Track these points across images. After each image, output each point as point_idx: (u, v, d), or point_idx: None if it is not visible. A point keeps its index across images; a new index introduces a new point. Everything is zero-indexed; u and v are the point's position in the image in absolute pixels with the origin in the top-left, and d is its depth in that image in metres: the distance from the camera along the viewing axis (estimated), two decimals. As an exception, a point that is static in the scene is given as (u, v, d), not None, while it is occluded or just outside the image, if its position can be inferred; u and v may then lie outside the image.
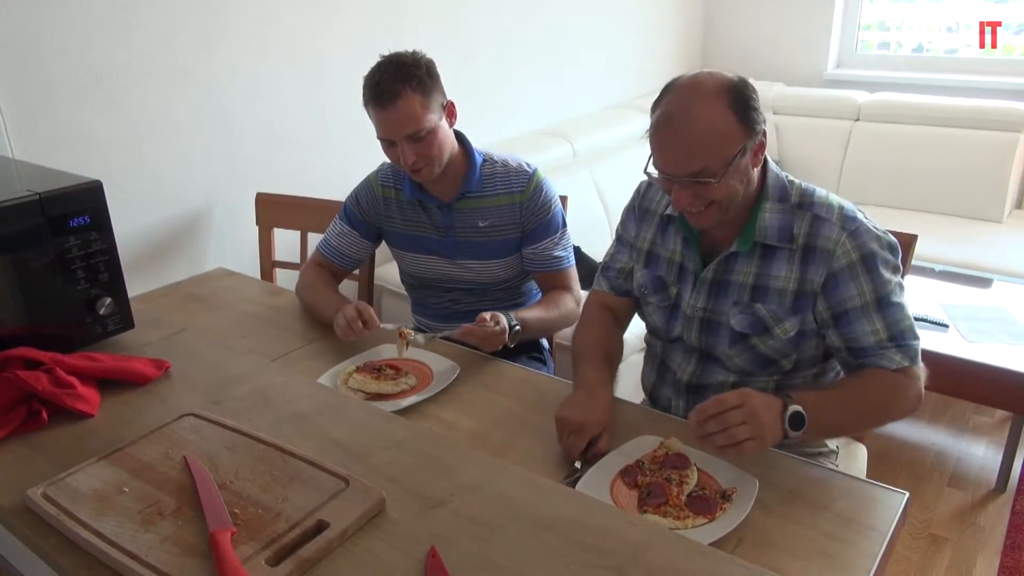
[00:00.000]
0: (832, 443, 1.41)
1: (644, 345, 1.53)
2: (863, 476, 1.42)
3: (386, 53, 1.54)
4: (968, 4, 3.62)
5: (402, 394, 1.41)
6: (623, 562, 0.81)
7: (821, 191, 1.28)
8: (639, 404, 1.45)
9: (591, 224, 2.87)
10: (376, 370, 1.45)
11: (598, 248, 2.53)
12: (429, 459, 0.99)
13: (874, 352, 1.21)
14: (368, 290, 2.09)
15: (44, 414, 1.06)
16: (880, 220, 1.28)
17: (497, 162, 1.70)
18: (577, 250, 2.30)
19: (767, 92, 3.73)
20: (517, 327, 1.51)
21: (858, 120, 3.62)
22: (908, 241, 1.55)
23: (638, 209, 1.45)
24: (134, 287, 1.39)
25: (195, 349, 1.30)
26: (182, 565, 0.78)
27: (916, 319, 1.25)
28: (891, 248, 1.24)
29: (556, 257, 1.71)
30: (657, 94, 1.22)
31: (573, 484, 1.14)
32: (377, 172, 1.77)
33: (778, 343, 1.28)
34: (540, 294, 1.79)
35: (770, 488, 1.11)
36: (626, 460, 1.18)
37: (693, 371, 1.38)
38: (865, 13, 3.87)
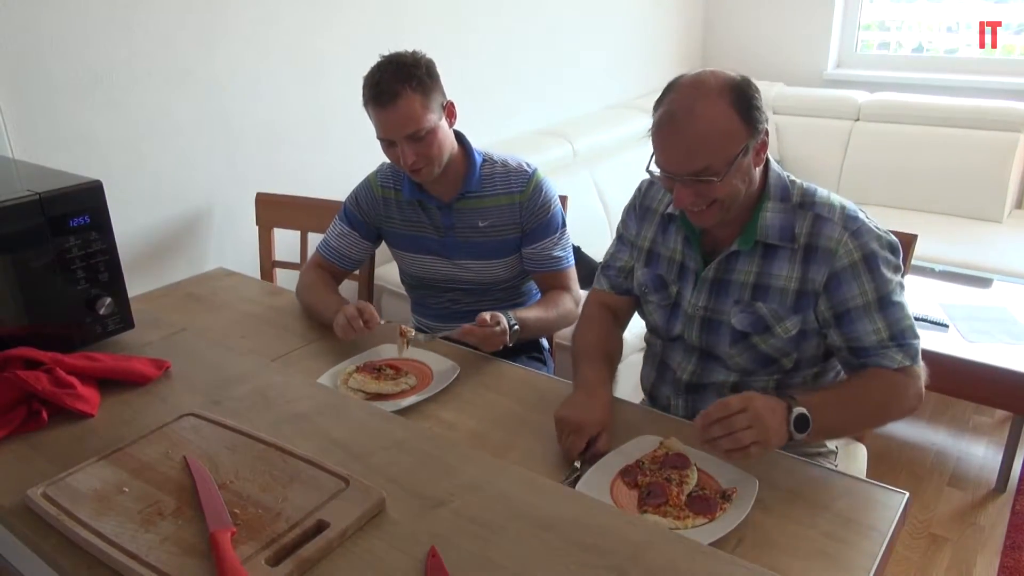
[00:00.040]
0: (832, 443, 1.41)
1: (644, 344, 1.53)
2: (863, 476, 1.42)
3: (386, 53, 1.54)
4: (968, 4, 3.62)
5: (402, 394, 1.41)
6: (623, 562, 0.81)
7: (823, 191, 1.28)
8: (639, 404, 1.45)
9: (591, 224, 2.87)
10: (376, 370, 1.45)
11: (598, 248, 2.53)
12: (429, 459, 0.99)
13: (875, 352, 1.21)
14: (368, 290, 2.09)
15: (44, 414, 1.06)
16: (880, 220, 1.28)
17: (497, 162, 1.70)
18: (577, 250, 2.30)
19: (767, 92, 3.73)
20: (516, 327, 1.51)
21: (858, 120, 3.62)
22: (908, 241, 1.55)
23: (639, 208, 1.45)
24: (134, 287, 1.39)
25: (195, 349, 1.30)
26: (182, 565, 0.78)
27: (916, 319, 1.25)
28: (892, 248, 1.24)
29: (555, 257, 1.71)
30: (657, 94, 1.22)
31: (573, 484, 1.14)
32: (376, 172, 1.77)
33: (779, 342, 1.28)
34: (540, 294, 1.79)
35: (770, 488, 1.11)
36: (626, 460, 1.18)
37: (693, 370, 1.38)
38: (865, 13, 3.87)
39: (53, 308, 1.18)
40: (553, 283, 1.73)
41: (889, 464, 2.42)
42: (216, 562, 0.77)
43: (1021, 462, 2.36)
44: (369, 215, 1.76)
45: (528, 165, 1.71)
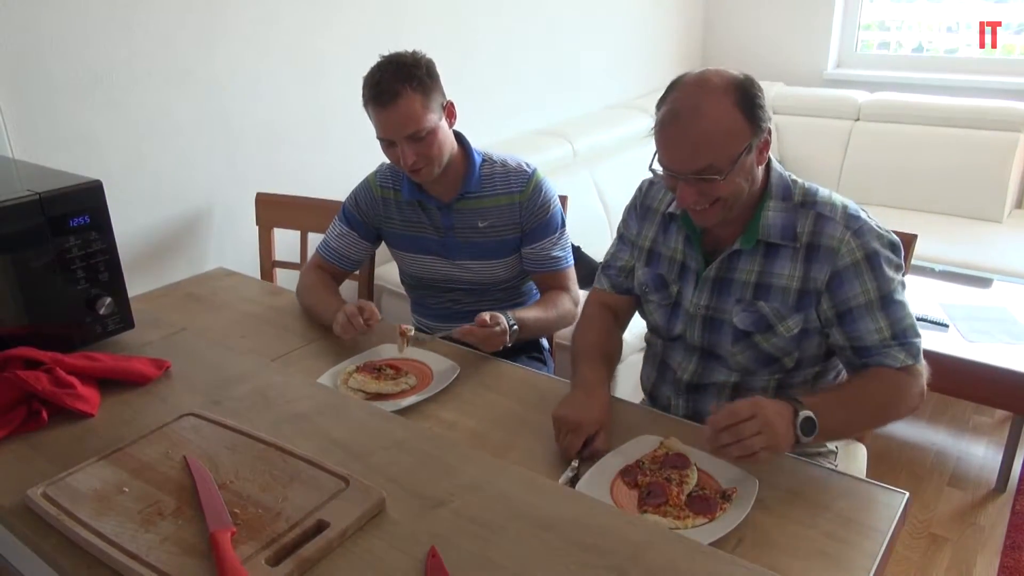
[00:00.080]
0: (832, 443, 1.41)
1: (644, 344, 1.53)
2: (863, 476, 1.42)
3: (386, 53, 1.54)
4: (968, 4, 3.62)
5: (402, 394, 1.41)
6: (623, 562, 0.81)
7: (824, 190, 1.28)
8: (639, 404, 1.45)
9: (591, 224, 2.87)
10: (376, 370, 1.45)
11: (598, 248, 2.53)
12: (429, 459, 0.99)
13: (878, 351, 1.22)
14: (368, 290, 2.09)
15: (44, 414, 1.06)
16: (880, 220, 1.28)
17: (496, 162, 1.70)
18: (577, 250, 2.30)
19: (767, 92, 3.69)
20: (515, 327, 1.51)
21: (858, 120, 3.62)
22: (908, 241, 1.55)
23: (640, 207, 1.45)
24: (134, 287, 1.39)
25: (195, 349, 1.30)
26: (182, 565, 0.78)
27: (916, 319, 1.25)
28: (893, 247, 1.24)
29: (555, 257, 1.71)
30: (657, 94, 1.22)
31: (570, 483, 1.14)
32: (376, 173, 1.77)
33: (781, 341, 1.28)
34: (540, 294, 1.79)
35: (770, 488, 1.11)
36: (626, 460, 1.18)
37: (694, 370, 1.38)
38: (865, 13, 3.87)
39: (53, 308, 1.18)
40: (552, 283, 1.73)
41: (889, 464, 2.42)
42: (216, 562, 0.77)
43: (1021, 462, 2.36)
44: (368, 215, 1.76)
45: (528, 165, 1.71)
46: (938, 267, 2.81)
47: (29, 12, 1.65)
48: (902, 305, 1.22)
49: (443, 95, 1.57)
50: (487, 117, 2.88)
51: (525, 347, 1.80)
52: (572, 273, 1.75)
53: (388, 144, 1.55)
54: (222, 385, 1.17)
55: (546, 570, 0.80)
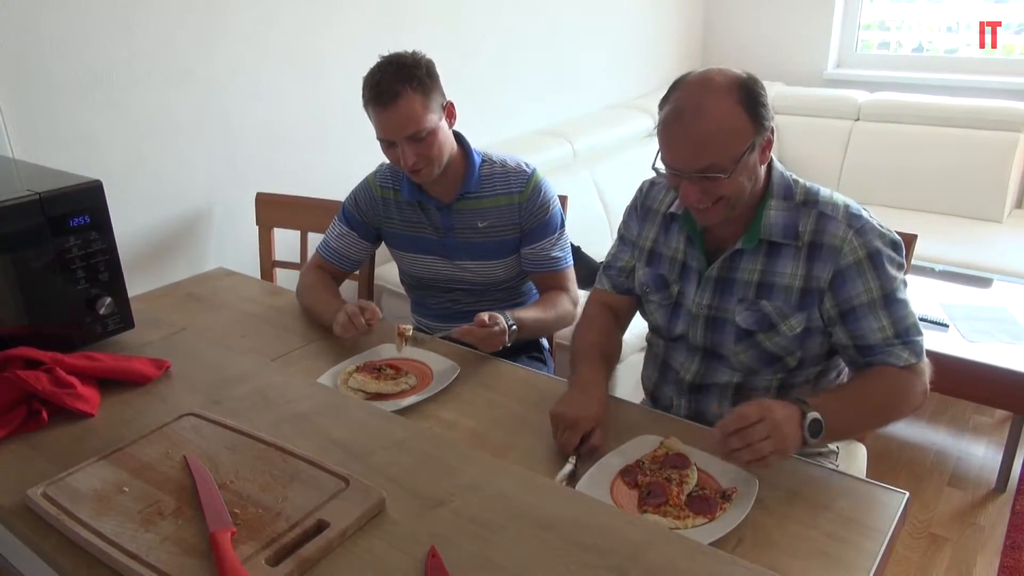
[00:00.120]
0: (833, 443, 1.41)
1: (644, 344, 1.53)
2: (863, 476, 1.42)
3: (386, 53, 1.54)
4: (968, 4, 3.62)
5: (402, 394, 1.40)
6: (623, 562, 0.81)
7: (825, 190, 1.29)
8: (639, 404, 1.45)
9: (591, 224, 2.87)
10: (376, 370, 1.45)
11: (598, 248, 2.53)
12: (429, 459, 0.99)
13: (881, 349, 1.22)
14: (368, 290, 2.09)
15: (44, 414, 1.06)
16: (881, 220, 1.29)
17: (496, 162, 1.70)
18: (577, 250, 2.30)
19: (767, 92, 3.72)
20: (514, 327, 1.51)
21: (858, 120, 3.62)
22: (908, 241, 1.55)
23: (640, 208, 1.45)
24: (134, 287, 1.39)
25: (195, 349, 1.30)
26: (182, 565, 0.78)
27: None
28: (895, 245, 1.25)
29: (554, 258, 1.71)
30: (657, 94, 1.22)
31: (568, 478, 1.15)
32: (376, 173, 1.77)
33: (784, 340, 1.28)
34: (539, 294, 1.79)
35: (770, 488, 1.11)
36: (626, 460, 1.18)
37: (697, 370, 1.38)
38: (865, 13, 3.87)
39: (53, 308, 1.18)
40: (551, 283, 1.73)
41: (889, 464, 2.42)
42: (216, 562, 0.77)
43: (1021, 462, 2.36)
44: (368, 215, 1.76)
45: (527, 165, 1.71)
46: (938, 267, 2.81)
47: (29, 12, 1.65)
48: (904, 304, 1.23)
49: (443, 95, 1.57)
50: (487, 117, 2.88)
51: (525, 347, 1.80)
52: (571, 273, 1.75)
53: (388, 145, 1.55)
54: (222, 385, 1.17)
55: (546, 570, 0.80)
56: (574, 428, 1.20)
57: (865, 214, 1.25)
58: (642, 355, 1.55)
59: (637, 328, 1.53)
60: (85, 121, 1.79)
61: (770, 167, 1.28)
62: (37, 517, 0.88)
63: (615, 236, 1.52)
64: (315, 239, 1.91)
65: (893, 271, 1.22)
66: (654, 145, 1.22)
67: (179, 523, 0.84)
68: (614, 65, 3.58)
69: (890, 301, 1.22)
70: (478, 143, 1.73)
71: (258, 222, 2.14)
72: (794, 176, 1.30)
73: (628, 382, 2.02)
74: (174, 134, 1.97)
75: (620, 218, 1.51)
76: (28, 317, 1.16)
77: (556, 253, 1.71)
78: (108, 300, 1.22)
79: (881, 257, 1.21)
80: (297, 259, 2.12)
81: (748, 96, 1.16)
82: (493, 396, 1.40)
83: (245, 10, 2.03)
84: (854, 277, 1.21)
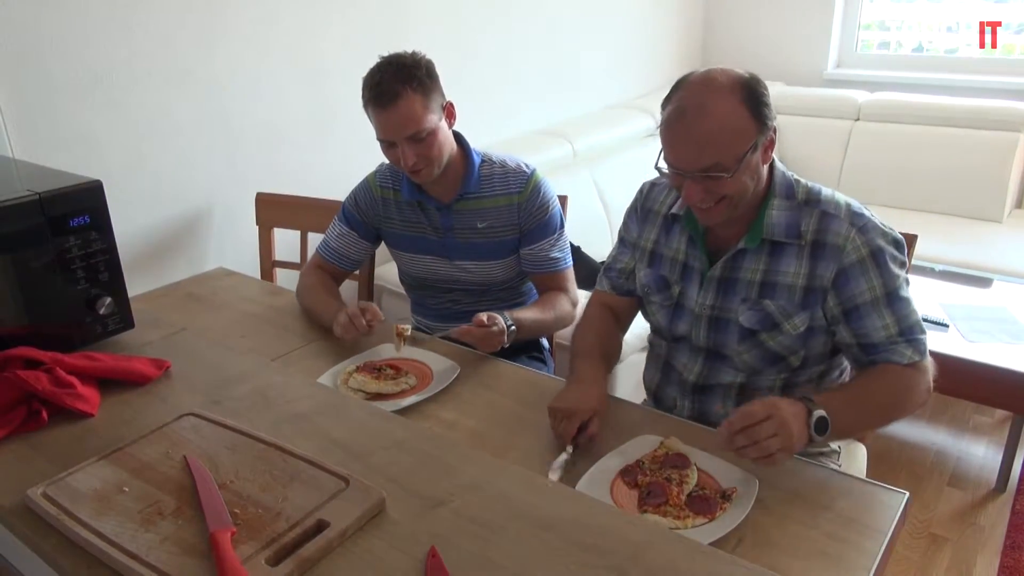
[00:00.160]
0: (835, 443, 1.41)
1: (645, 345, 1.53)
2: (863, 476, 1.42)
3: (386, 53, 1.54)
4: (968, 4, 3.62)
5: (402, 394, 1.40)
6: (623, 562, 0.81)
7: (827, 189, 1.29)
8: (639, 404, 1.45)
9: (591, 224, 2.87)
10: (376, 370, 1.45)
11: (598, 248, 2.53)
12: (429, 459, 0.99)
13: (885, 347, 1.22)
14: (368, 290, 2.09)
15: (44, 414, 1.06)
16: (882, 219, 1.29)
17: (495, 163, 1.70)
18: (577, 250, 2.31)
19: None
20: (513, 327, 1.51)
21: (858, 120, 3.62)
22: (908, 241, 1.54)
23: (640, 210, 1.45)
24: (134, 287, 1.39)
25: (195, 349, 1.30)
26: (182, 565, 0.78)
27: (918, 317, 1.25)
28: (897, 244, 1.25)
29: (553, 258, 1.71)
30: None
31: (564, 468, 1.16)
32: (375, 173, 1.77)
33: (787, 339, 1.28)
34: (539, 295, 1.79)
35: (770, 488, 1.11)
36: (626, 460, 1.18)
37: (700, 371, 1.38)
38: (865, 13, 3.87)
39: (53, 308, 1.18)
40: (551, 284, 1.73)
41: (889, 464, 2.42)
42: (216, 562, 0.77)
43: (1021, 462, 2.36)
44: (368, 215, 1.76)
45: (527, 166, 1.70)
46: (938, 267, 2.81)
47: (29, 12, 1.65)
48: (908, 302, 1.23)
49: (443, 96, 1.57)
50: (487, 117, 2.88)
51: (525, 347, 1.80)
52: (571, 274, 1.75)
53: (388, 145, 1.55)
54: (222, 385, 1.17)
55: (546, 570, 0.80)
56: (571, 418, 1.21)
57: (867, 213, 1.26)
58: (642, 355, 1.55)
59: (638, 328, 1.53)
60: (85, 121, 1.79)
61: (772, 167, 1.28)
62: (37, 517, 0.88)
63: (615, 236, 1.52)
64: (315, 239, 1.91)
65: (896, 269, 1.23)
66: (654, 145, 1.23)
67: (179, 523, 0.84)
68: (614, 65, 3.58)
69: (893, 299, 1.22)
70: (478, 143, 1.73)
71: (258, 222, 2.14)
72: (795, 176, 1.30)
73: (628, 382, 2.02)
74: (174, 134, 1.97)
75: (620, 218, 1.51)
76: (28, 317, 1.16)
77: (555, 254, 1.71)
78: (108, 300, 1.22)
79: (884, 255, 1.22)
80: (297, 259, 2.12)
81: (751, 96, 1.16)
82: (493, 396, 1.40)
83: (245, 10, 2.03)
84: (857, 275, 1.22)
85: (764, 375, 1.34)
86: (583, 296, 1.72)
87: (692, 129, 1.16)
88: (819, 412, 1.11)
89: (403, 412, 1.33)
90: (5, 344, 1.13)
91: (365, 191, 1.76)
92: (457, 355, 1.52)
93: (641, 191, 1.47)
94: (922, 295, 2.51)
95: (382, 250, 1.88)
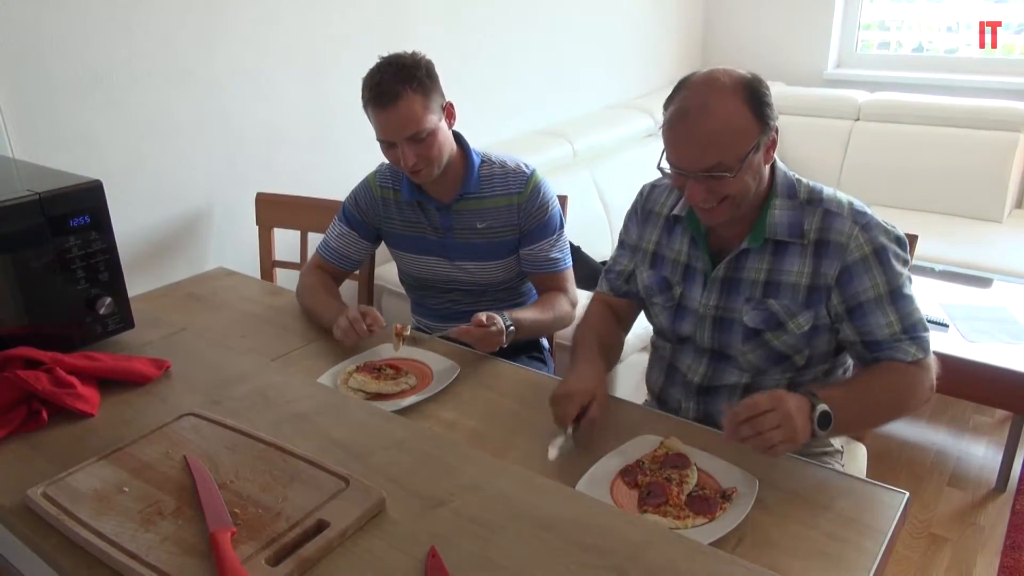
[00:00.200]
0: (836, 442, 1.41)
1: (645, 345, 1.53)
2: (863, 476, 1.42)
3: (386, 54, 1.54)
4: (968, 4, 3.62)
5: (402, 394, 1.40)
6: (623, 562, 0.81)
7: (828, 189, 1.30)
8: (640, 404, 1.45)
9: (591, 224, 2.87)
10: (376, 370, 1.45)
11: (598, 248, 2.53)
12: (429, 459, 0.99)
13: (889, 345, 1.22)
14: (368, 290, 2.09)
15: (44, 414, 1.06)
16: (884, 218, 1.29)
17: (495, 163, 1.70)
18: (577, 250, 2.31)
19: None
20: (512, 327, 1.51)
21: (858, 120, 3.62)
22: (909, 241, 1.55)
23: (641, 212, 1.45)
24: (134, 287, 1.39)
25: (195, 349, 1.30)
26: (182, 565, 0.78)
27: (920, 316, 1.25)
28: (900, 242, 1.26)
29: (552, 259, 1.71)
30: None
31: (562, 451, 1.16)
32: (375, 173, 1.77)
33: (792, 338, 1.28)
34: (538, 295, 1.79)
35: (770, 488, 1.11)
36: (626, 460, 1.18)
37: (705, 372, 1.38)
38: (865, 13, 3.87)
39: (53, 308, 1.18)
40: (550, 284, 1.73)
41: (889, 464, 2.42)
42: (216, 562, 0.77)
43: (1021, 462, 2.36)
44: (368, 215, 1.76)
45: (527, 166, 1.70)
46: (938, 267, 2.81)
47: (29, 12, 1.65)
48: (911, 299, 1.24)
49: (443, 96, 1.57)
50: (487, 117, 2.88)
51: (525, 347, 1.80)
52: (570, 274, 1.75)
53: (388, 145, 1.55)
54: (222, 385, 1.17)
55: (546, 570, 0.80)
56: (570, 399, 1.22)
57: (869, 211, 1.26)
58: (643, 355, 1.55)
59: (638, 328, 1.53)
60: (85, 121, 1.79)
61: (773, 167, 1.28)
62: (37, 517, 0.88)
63: (615, 237, 1.52)
64: (315, 239, 1.91)
65: (899, 267, 1.23)
66: (654, 145, 1.23)
67: (179, 523, 0.84)
68: (614, 65, 3.58)
69: (896, 296, 1.22)
70: (478, 143, 1.73)
71: (258, 222, 2.14)
72: (797, 175, 1.31)
73: (629, 382, 2.02)
74: (174, 134, 1.97)
75: (620, 218, 1.51)
76: (28, 317, 1.17)
77: (555, 254, 1.71)
78: (108, 300, 1.22)
79: (887, 253, 1.22)
80: (297, 259, 2.12)
81: (753, 96, 1.16)
82: (493, 396, 1.40)
83: (245, 10, 2.03)
84: (860, 273, 1.22)
85: (769, 375, 1.34)
86: (583, 296, 1.72)
87: (695, 129, 1.16)
88: (822, 407, 1.11)
89: (403, 412, 1.33)
90: (5, 344, 1.13)
91: (365, 191, 1.76)
92: (457, 355, 1.52)
93: (641, 193, 1.47)
94: (922, 295, 2.48)
95: (382, 250, 1.88)
